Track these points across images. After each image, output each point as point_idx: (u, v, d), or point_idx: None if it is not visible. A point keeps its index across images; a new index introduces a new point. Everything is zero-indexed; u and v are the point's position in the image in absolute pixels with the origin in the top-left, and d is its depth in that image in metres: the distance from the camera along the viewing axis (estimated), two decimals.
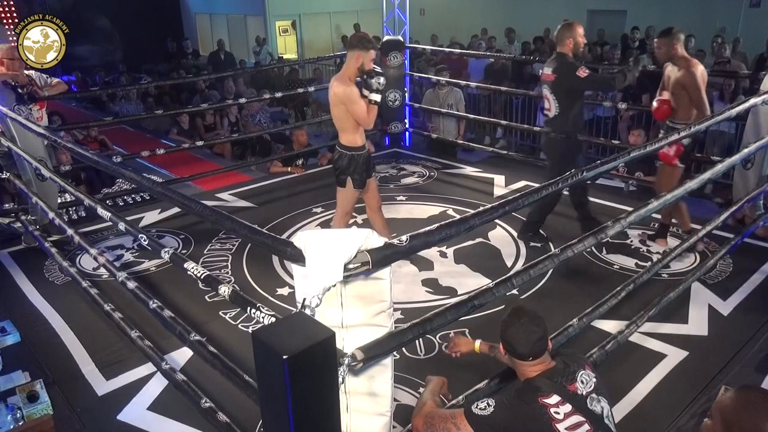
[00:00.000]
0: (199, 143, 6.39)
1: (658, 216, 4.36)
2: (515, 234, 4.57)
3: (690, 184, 2.73)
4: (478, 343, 2.42)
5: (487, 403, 1.83)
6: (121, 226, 2.69)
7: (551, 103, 4.09)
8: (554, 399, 1.80)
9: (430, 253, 4.22)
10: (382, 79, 3.61)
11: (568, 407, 1.79)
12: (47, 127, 4.45)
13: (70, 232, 3.46)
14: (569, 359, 1.96)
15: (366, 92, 3.62)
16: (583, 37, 4.02)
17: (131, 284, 3.00)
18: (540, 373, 1.89)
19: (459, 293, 3.80)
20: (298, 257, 1.58)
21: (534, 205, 3.98)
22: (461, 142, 6.78)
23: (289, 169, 6.22)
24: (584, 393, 1.85)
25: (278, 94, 6.82)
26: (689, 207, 4.25)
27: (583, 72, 3.88)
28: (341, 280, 1.56)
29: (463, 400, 2.24)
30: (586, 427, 1.79)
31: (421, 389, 2.26)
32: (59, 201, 4.86)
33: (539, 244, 4.37)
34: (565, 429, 1.77)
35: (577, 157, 4.25)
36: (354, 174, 3.77)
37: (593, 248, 4.15)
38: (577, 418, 1.79)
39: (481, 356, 2.51)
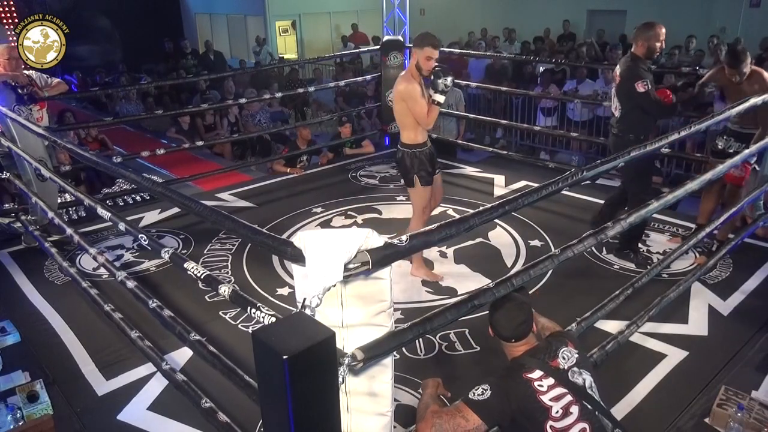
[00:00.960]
0: (199, 143, 6.39)
1: (660, 216, 4.36)
2: (515, 234, 4.57)
3: (690, 185, 2.73)
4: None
5: (483, 388, 1.97)
6: (121, 226, 2.69)
7: (615, 104, 3.96)
8: (537, 374, 1.96)
9: (430, 253, 4.23)
10: (449, 80, 3.58)
11: (550, 380, 1.95)
12: (47, 127, 4.45)
13: (69, 231, 3.46)
14: (553, 338, 2.14)
15: (431, 92, 3.61)
16: (661, 40, 3.79)
17: (131, 283, 3.00)
18: (524, 352, 2.06)
19: (459, 293, 3.80)
20: (298, 257, 1.58)
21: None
22: (461, 142, 6.78)
23: (288, 170, 6.22)
24: (566, 367, 2.00)
25: (278, 94, 6.83)
26: (689, 207, 4.25)
27: (642, 86, 3.69)
28: (341, 280, 1.56)
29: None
30: (569, 398, 1.94)
31: (420, 390, 2.27)
32: (59, 201, 4.86)
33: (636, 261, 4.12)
34: (549, 400, 1.92)
35: (651, 161, 4.10)
36: (420, 171, 3.77)
37: (593, 248, 4.15)
38: (559, 390, 1.94)
39: (481, 355, 2.51)
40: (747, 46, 8.69)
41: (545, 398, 1.92)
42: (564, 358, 2.02)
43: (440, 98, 3.60)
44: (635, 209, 2.42)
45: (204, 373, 2.85)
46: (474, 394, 1.96)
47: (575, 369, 2.01)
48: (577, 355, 2.05)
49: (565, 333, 2.27)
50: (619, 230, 2.37)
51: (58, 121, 6.63)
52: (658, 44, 3.79)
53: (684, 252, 3.34)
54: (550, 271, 3.57)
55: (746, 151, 3.35)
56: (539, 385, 1.94)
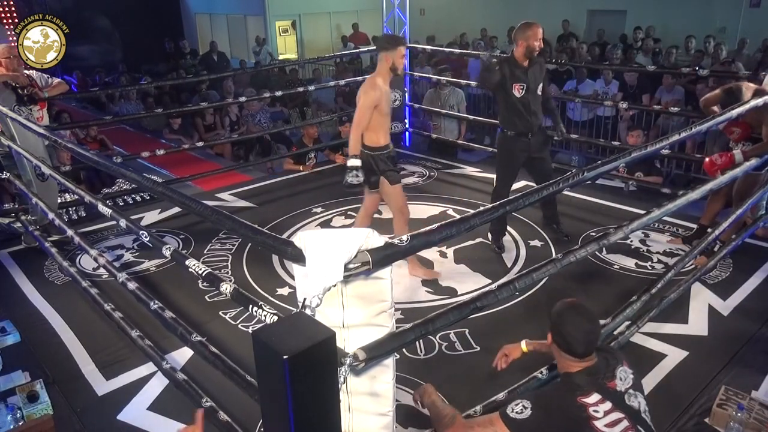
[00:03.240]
0: (199, 144, 6.39)
1: (670, 219, 4.33)
2: (515, 234, 4.57)
3: (692, 194, 2.74)
4: (523, 344, 2.38)
5: (523, 406, 1.80)
6: (122, 223, 2.68)
7: None
8: (594, 398, 1.78)
9: (430, 253, 4.23)
10: (359, 176, 3.66)
11: (608, 405, 1.78)
12: (47, 126, 4.45)
13: (70, 232, 3.46)
14: (609, 355, 1.95)
15: (349, 172, 3.66)
16: (539, 39, 4.10)
17: (132, 285, 3.00)
18: (581, 369, 1.86)
19: (459, 293, 3.80)
20: (299, 257, 1.58)
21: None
22: (461, 142, 6.78)
23: (300, 167, 6.25)
24: (623, 389, 1.84)
25: (278, 93, 6.82)
26: (689, 207, 4.24)
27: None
28: (342, 280, 1.56)
29: (481, 409, 2.25)
30: (625, 423, 1.78)
31: (419, 399, 2.21)
32: (59, 201, 4.86)
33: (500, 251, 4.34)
34: (604, 426, 1.75)
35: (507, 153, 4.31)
36: (386, 171, 3.76)
37: None
38: (616, 415, 1.77)
39: (481, 356, 2.51)
40: (747, 45, 8.73)
41: (599, 424, 1.76)
42: (621, 379, 1.86)
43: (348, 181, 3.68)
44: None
45: (204, 372, 2.85)
46: (512, 410, 1.81)
47: (631, 391, 1.85)
48: (632, 376, 1.90)
49: (615, 349, 2.11)
50: (621, 236, 2.39)
51: (54, 122, 6.62)
52: (536, 43, 4.04)
53: (697, 254, 3.33)
54: None
55: (753, 162, 3.38)
56: (595, 411, 1.76)
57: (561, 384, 1.87)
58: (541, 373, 2.45)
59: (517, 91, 4.07)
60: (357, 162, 3.63)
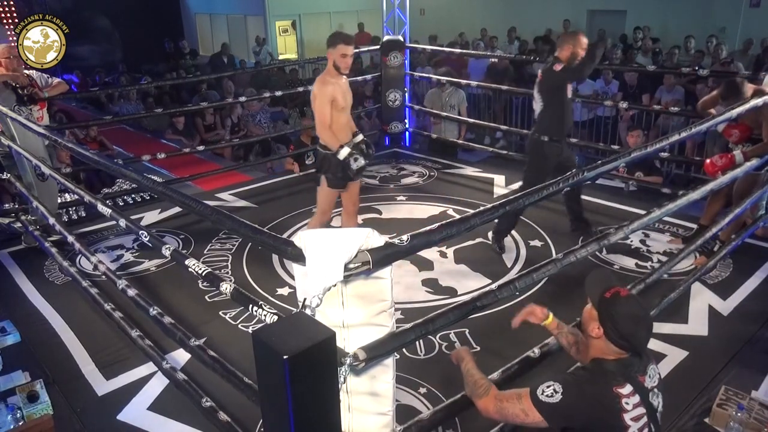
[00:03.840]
0: (200, 147, 6.39)
1: (670, 219, 4.33)
2: (516, 234, 4.57)
3: (692, 194, 2.74)
4: (550, 317, 2.26)
5: (554, 390, 1.76)
6: (122, 222, 2.69)
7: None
8: (627, 389, 1.75)
9: (430, 253, 4.22)
10: (361, 161, 3.67)
11: (636, 399, 1.76)
12: (47, 126, 4.45)
13: (71, 239, 3.47)
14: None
15: (352, 164, 3.66)
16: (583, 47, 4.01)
17: (131, 292, 3.00)
18: (618, 358, 1.80)
19: (459, 293, 3.80)
20: (299, 257, 1.58)
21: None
22: (461, 142, 6.78)
23: (297, 167, 6.27)
24: (649, 386, 1.81)
25: (278, 93, 6.82)
26: (690, 207, 4.24)
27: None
28: (342, 280, 1.56)
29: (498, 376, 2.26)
30: (645, 419, 1.77)
31: (456, 361, 2.16)
32: (59, 201, 4.86)
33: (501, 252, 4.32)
34: (630, 419, 1.74)
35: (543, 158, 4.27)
36: (328, 173, 3.76)
37: None
38: (640, 410, 1.76)
39: (481, 356, 2.51)
40: (747, 46, 8.73)
41: (627, 417, 1.73)
42: (650, 376, 1.82)
43: (355, 165, 3.67)
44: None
45: (205, 372, 2.84)
46: (542, 391, 1.76)
47: (656, 390, 1.82)
48: (659, 375, 1.86)
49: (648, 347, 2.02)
50: (621, 236, 2.38)
51: (53, 122, 6.62)
52: (581, 51, 3.98)
53: (692, 252, 3.34)
54: None
55: (754, 162, 3.38)
56: (626, 403, 1.73)
57: (595, 371, 1.82)
58: (533, 352, 2.46)
59: (569, 91, 4.10)
60: (346, 150, 3.64)
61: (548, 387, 1.76)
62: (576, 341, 2.18)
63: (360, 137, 3.84)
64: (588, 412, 1.74)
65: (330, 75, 3.68)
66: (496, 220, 4.23)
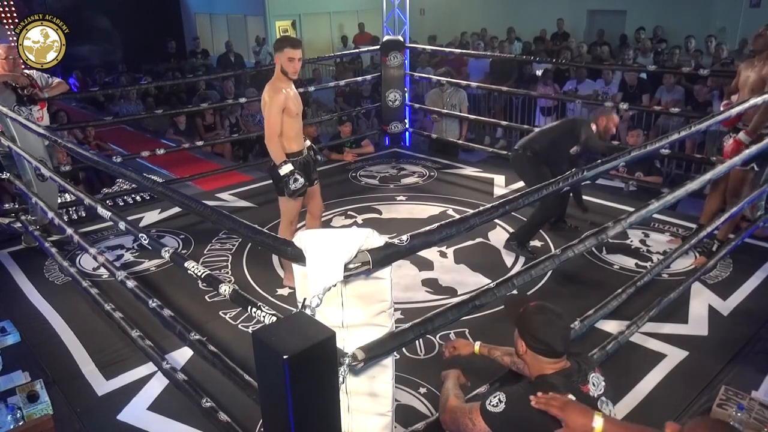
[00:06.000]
0: (199, 143, 6.39)
1: (660, 216, 4.35)
2: None
3: (691, 185, 2.73)
4: (477, 345, 2.45)
5: (499, 399, 1.83)
6: (122, 225, 2.69)
7: None
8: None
9: (430, 253, 4.22)
10: (300, 182, 3.58)
11: None
12: (47, 126, 4.45)
13: (69, 231, 3.46)
14: (581, 360, 1.96)
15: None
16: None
17: (130, 283, 3.00)
18: (557, 371, 1.87)
19: (459, 293, 3.80)
20: (299, 257, 1.58)
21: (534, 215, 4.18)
22: (461, 142, 6.78)
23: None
24: (595, 395, 1.86)
25: None
26: (690, 207, 4.25)
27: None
28: (342, 280, 1.56)
29: (485, 389, 2.30)
30: None
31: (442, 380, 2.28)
32: (59, 201, 4.86)
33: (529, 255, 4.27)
34: None
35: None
36: (279, 184, 3.61)
37: (593, 248, 4.15)
38: None
39: (482, 358, 2.51)
40: (743, 45, 8.73)
41: None
42: (594, 385, 1.88)
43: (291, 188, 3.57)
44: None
45: (204, 372, 2.85)
46: (490, 402, 1.85)
47: (604, 398, 1.88)
48: (604, 383, 1.92)
49: (587, 355, 2.12)
50: (619, 230, 2.37)
51: (53, 122, 6.62)
52: (614, 129, 4.43)
53: (685, 251, 3.34)
54: (549, 272, 3.58)
55: (747, 151, 3.36)
56: None
57: (538, 384, 1.86)
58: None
59: (574, 148, 4.29)
60: (289, 167, 3.54)
61: (494, 397, 1.85)
62: (512, 361, 2.32)
63: (308, 143, 3.75)
64: (531, 420, 1.77)
65: (280, 80, 3.53)
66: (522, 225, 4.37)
